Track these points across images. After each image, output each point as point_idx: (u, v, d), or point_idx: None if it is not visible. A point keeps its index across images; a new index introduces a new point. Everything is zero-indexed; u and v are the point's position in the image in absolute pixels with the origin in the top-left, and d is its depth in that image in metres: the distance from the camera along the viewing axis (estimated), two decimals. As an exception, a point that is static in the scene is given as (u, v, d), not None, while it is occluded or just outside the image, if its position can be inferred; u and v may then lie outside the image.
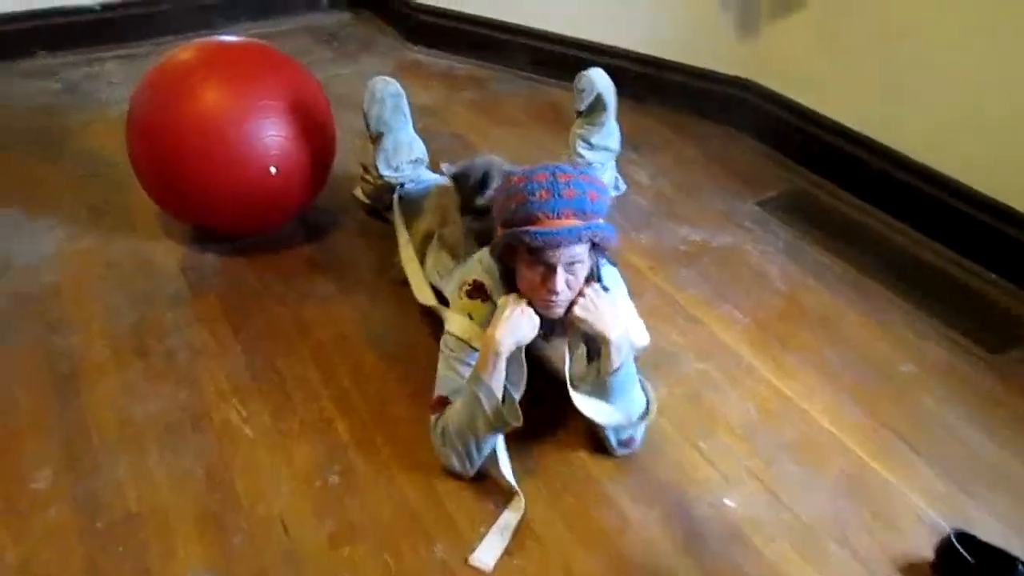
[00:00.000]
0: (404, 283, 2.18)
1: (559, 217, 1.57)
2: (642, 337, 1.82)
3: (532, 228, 1.57)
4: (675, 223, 2.62)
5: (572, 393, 1.76)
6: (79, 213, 2.59)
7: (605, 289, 1.74)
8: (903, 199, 2.59)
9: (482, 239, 2.04)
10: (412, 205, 2.37)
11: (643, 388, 1.80)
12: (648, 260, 2.44)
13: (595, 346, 1.80)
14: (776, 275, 2.39)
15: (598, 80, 2.32)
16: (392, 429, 1.87)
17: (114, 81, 3.40)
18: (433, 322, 2.10)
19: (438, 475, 1.76)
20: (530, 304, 1.68)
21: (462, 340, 1.75)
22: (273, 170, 2.20)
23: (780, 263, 2.44)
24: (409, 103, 2.36)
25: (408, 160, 2.34)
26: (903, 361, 2.10)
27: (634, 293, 2.27)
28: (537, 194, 1.58)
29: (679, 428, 1.90)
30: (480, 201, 2.09)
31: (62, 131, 3.05)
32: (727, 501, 1.73)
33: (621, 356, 1.72)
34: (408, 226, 2.33)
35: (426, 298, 2.13)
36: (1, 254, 2.38)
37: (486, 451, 1.72)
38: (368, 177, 2.44)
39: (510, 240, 1.60)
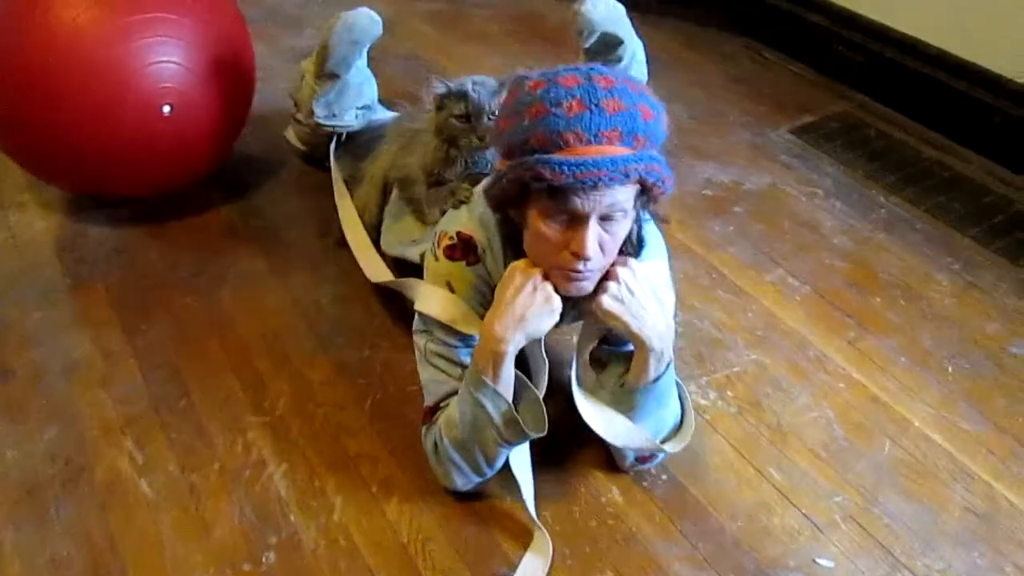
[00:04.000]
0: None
1: (597, 141, 1.03)
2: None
3: (556, 156, 1.03)
4: (695, 160, 2.08)
5: (579, 400, 1.26)
6: (-78, 173, 1.97)
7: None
8: (987, 129, 2.07)
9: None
10: (360, 146, 1.80)
11: (679, 395, 1.30)
12: (668, 210, 1.91)
13: (616, 341, 1.29)
14: (832, 226, 1.88)
15: (596, 16, 1.73)
16: (349, 473, 1.34)
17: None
18: (400, 306, 1.56)
19: (418, 536, 1.25)
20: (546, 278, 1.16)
21: (440, 323, 1.23)
22: (167, 109, 1.61)
23: (835, 210, 1.93)
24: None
25: (356, 106, 1.76)
26: (1013, 340, 1.62)
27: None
28: (565, 105, 1.03)
29: (741, 449, 1.40)
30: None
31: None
32: (821, 561, 1.25)
33: (661, 366, 1.21)
34: (355, 174, 1.76)
35: (378, 273, 1.58)
36: None
37: (500, 464, 1.26)
38: (301, 118, 1.85)
39: (520, 175, 1.06)
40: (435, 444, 1.25)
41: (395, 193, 1.64)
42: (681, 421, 1.28)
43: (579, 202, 1.05)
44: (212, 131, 1.71)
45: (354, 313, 1.62)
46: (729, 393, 1.50)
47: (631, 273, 1.16)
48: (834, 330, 1.63)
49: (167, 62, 1.59)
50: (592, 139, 1.03)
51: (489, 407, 1.17)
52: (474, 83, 1.42)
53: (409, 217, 1.60)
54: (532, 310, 1.14)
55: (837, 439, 1.42)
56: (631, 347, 1.24)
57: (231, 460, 1.35)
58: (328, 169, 1.93)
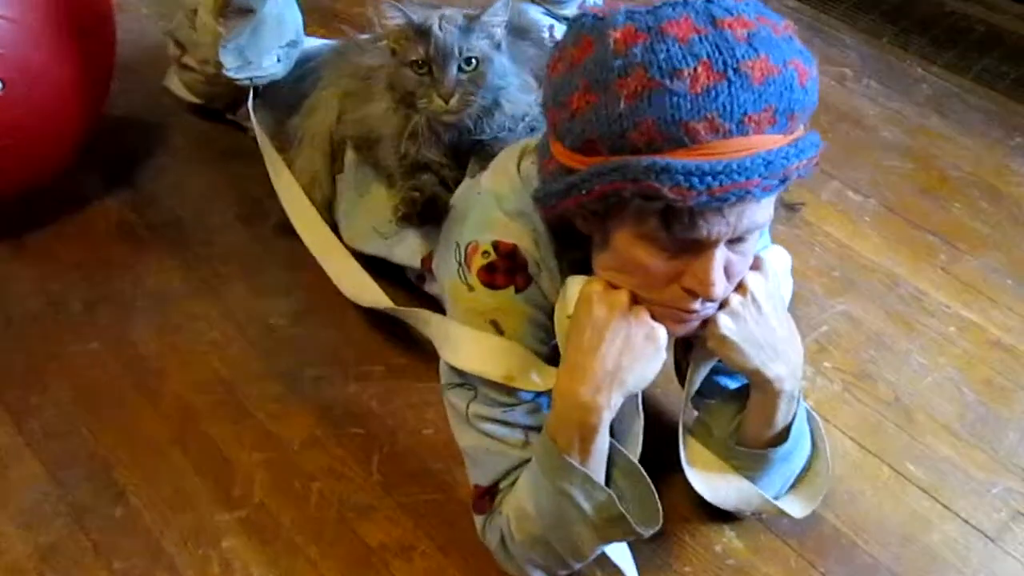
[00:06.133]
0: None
1: (741, 131, 0.66)
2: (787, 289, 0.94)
3: (678, 160, 0.65)
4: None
5: (688, 470, 0.94)
6: None
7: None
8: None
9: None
10: (283, 93, 1.34)
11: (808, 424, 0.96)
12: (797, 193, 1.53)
13: (726, 372, 0.95)
14: (876, 115, 1.55)
15: None
16: (378, 577, 0.98)
17: None
18: (394, 319, 1.17)
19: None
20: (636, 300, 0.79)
21: (489, 381, 0.86)
22: None
23: (871, 92, 1.59)
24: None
25: (278, 47, 1.27)
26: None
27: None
28: (686, 72, 0.65)
29: (865, 443, 1.10)
30: (477, 99, 1.00)
31: None
32: (1006, 583, 0.98)
33: (791, 409, 0.88)
34: (283, 133, 1.31)
35: (360, 288, 1.17)
36: None
37: (592, 557, 0.91)
38: (191, 63, 1.35)
39: (615, 188, 0.68)
40: (502, 539, 0.89)
41: (350, 155, 1.21)
42: (809, 461, 0.96)
43: (705, 228, 0.69)
44: (70, 106, 1.22)
45: (323, 331, 1.21)
46: (827, 364, 1.19)
47: (762, 282, 0.81)
48: (921, 255, 1.32)
49: (-17, 17, 1.08)
50: (734, 128, 0.65)
51: (579, 498, 0.82)
52: (442, 18, 0.98)
53: (378, 187, 1.18)
54: (630, 355, 0.78)
55: (970, 406, 1.14)
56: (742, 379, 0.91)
57: (208, 589, 0.97)
58: (234, 123, 1.46)
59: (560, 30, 1.49)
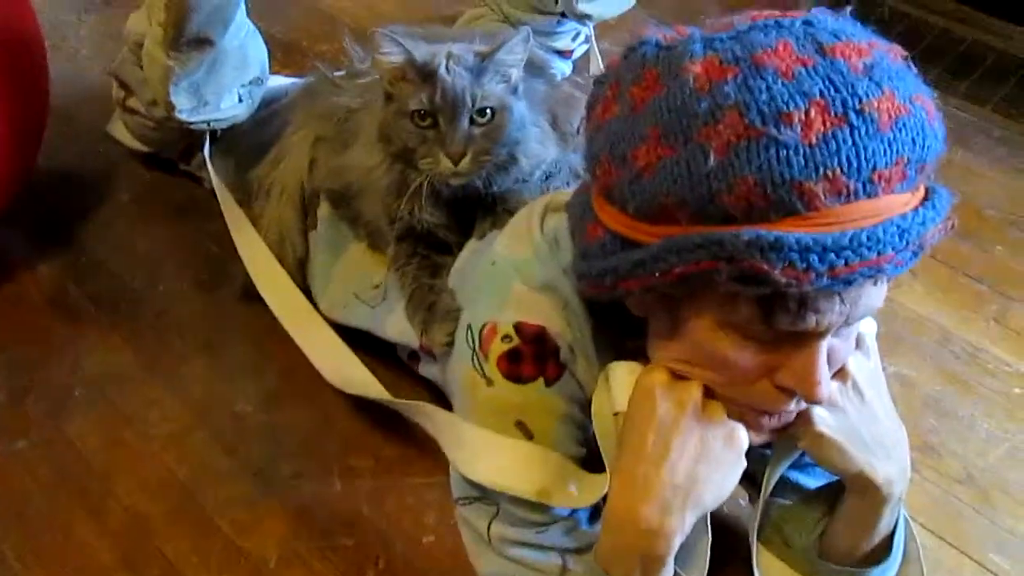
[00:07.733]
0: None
1: (869, 192, 0.51)
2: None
3: (791, 233, 0.50)
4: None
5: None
6: None
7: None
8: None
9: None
10: (244, 139, 1.17)
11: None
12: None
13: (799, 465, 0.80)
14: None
15: None
16: None
17: None
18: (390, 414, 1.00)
19: None
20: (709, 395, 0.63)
21: (516, 500, 0.69)
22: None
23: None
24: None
25: (239, 84, 1.10)
26: None
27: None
28: (795, 117, 0.50)
29: (939, 531, 0.95)
30: (495, 155, 0.84)
31: None
32: None
33: (894, 517, 0.74)
34: (243, 186, 1.14)
35: (345, 371, 0.99)
36: None
37: None
38: (138, 106, 1.17)
39: (702, 268, 0.52)
40: None
41: (324, 209, 1.04)
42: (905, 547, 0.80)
43: (815, 318, 0.54)
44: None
45: (299, 417, 1.03)
46: (884, 437, 1.03)
47: (864, 363, 0.66)
48: (970, 304, 1.19)
49: None
50: (860, 189, 0.51)
51: None
52: (450, 57, 0.82)
53: (357, 245, 1.01)
54: (706, 465, 0.62)
55: (1049, 479, 1.00)
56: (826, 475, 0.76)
57: None
58: (188, 174, 1.29)
59: (558, 64, 1.36)
